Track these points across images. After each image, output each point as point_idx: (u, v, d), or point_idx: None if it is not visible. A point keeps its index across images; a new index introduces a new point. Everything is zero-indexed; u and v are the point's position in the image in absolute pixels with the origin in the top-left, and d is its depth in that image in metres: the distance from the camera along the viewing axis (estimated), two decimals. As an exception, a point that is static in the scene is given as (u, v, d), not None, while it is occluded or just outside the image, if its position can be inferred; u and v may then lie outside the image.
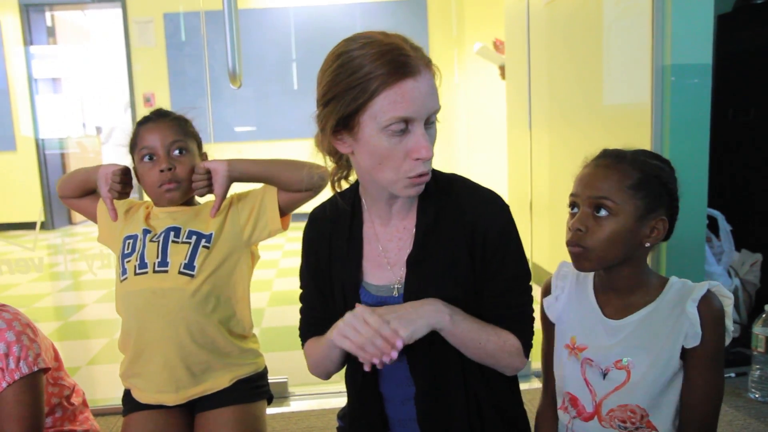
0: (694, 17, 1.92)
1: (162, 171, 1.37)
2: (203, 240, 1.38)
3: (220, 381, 1.38)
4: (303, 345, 1.16)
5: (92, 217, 1.52)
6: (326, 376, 1.12)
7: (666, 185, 1.01)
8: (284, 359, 2.41)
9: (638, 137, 2.04)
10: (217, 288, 1.37)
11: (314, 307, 1.14)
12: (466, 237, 1.00)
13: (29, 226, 6.17)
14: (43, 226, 6.12)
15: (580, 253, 0.99)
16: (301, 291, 1.17)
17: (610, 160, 1.01)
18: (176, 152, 1.39)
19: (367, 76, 0.89)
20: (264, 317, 3.06)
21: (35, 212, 6.22)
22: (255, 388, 1.43)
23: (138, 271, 1.36)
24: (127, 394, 1.44)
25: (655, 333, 0.99)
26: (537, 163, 3.27)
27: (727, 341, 0.99)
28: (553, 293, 1.11)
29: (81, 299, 3.80)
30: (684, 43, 1.92)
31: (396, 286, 1.04)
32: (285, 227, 1.44)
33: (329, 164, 1.08)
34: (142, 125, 1.42)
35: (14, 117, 5.98)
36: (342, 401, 1.23)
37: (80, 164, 6.65)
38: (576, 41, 2.75)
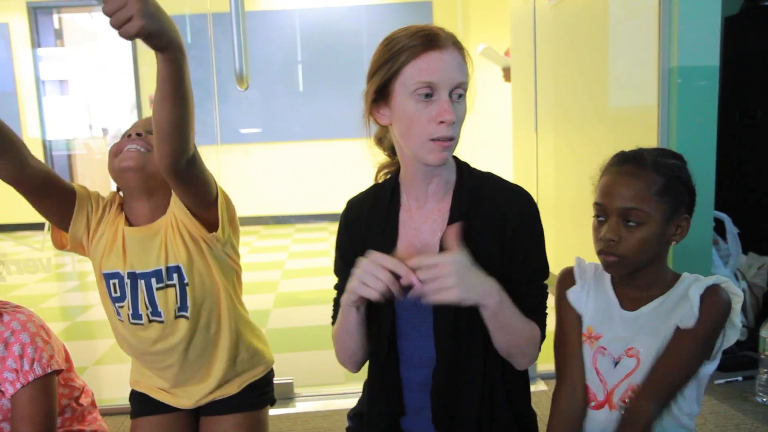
0: (701, 19, 1.92)
1: (129, 136, 1.26)
2: (183, 277, 1.27)
3: (229, 388, 1.37)
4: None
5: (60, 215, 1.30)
6: (352, 362, 1.14)
7: (687, 184, 1.07)
8: (290, 360, 2.42)
9: (644, 139, 2.04)
10: (212, 310, 1.32)
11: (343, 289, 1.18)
12: (496, 226, 1.05)
13: (36, 226, 6.20)
14: (45, 228, 6.15)
15: (614, 261, 1.06)
16: (336, 282, 1.20)
17: (632, 167, 1.05)
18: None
19: (401, 49, 1.02)
20: (270, 319, 3.06)
21: (42, 213, 6.25)
22: (261, 395, 1.43)
23: (133, 320, 1.30)
24: (133, 395, 1.44)
25: (663, 320, 1.05)
26: (543, 165, 3.26)
27: (734, 339, 1.04)
28: (578, 284, 1.16)
29: (88, 300, 3.82)
30: (691, 45, 1.92)
31: None
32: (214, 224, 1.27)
33: (381, 158, 1.19)
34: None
35: (22, 119, 6.02)
36: (348, 402, 1.24)
37: (87, 165, 6.70)
38: (582, 43, 2.75)
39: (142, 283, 1.27)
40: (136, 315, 1.29)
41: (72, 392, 1.46)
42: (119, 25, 0.89)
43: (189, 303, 1.27)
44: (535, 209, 1.08)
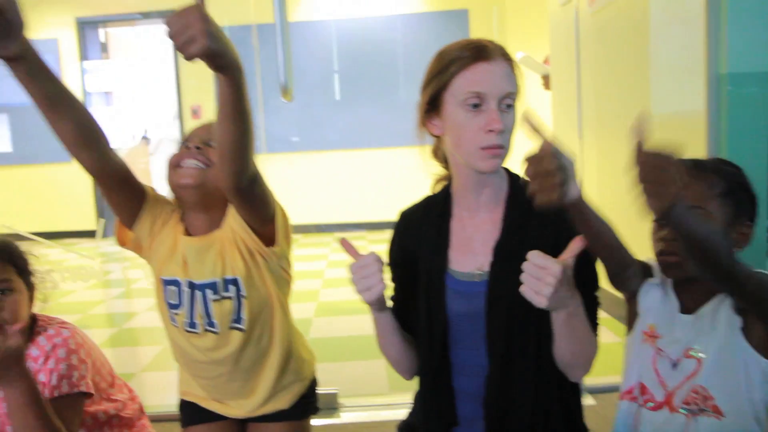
0: (751, 23, 1.87)
1: (188, 148, 1.26)
2: (240, 290, 1.28)
3: (280, 402, 1.38)
4: None
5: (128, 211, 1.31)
6: (401, 369, 1.18)
7: (748, 190, 1.07)
8: (334, 370, 2.42)
9: (692, 147, 2.00)
10: (266, 322, 1.33)
11: (395, 299, 1.21)
12: (551, 235, 1.06)
13: (84, 234, 6.39)
14: (95, 235, 6.33)
15: (675, 262, 1.05)
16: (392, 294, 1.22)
17: (693, 171, 1.03)
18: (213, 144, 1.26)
19: (451, 61, 1.06)
20: (311, 328, 3.08)
21: (89, 221, 6.44)
22: (306, 404, 1.44)
23: (188, 328, 1.31)
24: (183, 404, 1.46)
25: (721, 319, 1.04)
26: (587, 173, 3.22)
27: None
28: (657, 279, 1.14)
29: (134, 307, 3.90)
30: (741, 50, 1.87)
31: (477, 272, 1.10)
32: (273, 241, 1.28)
33: (438, 170, 1.22)
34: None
35: (69, 130, 6.20)
36: (394, 413, 1.25)
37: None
38: (623, 49, 2.71)
39: (199, 294, 1.28)
40: (191, 323, 1.30)
41: (116, 405, 1.48)
42: (183, 46, 0.90)
43: (245, 315, 1.28)
44: None
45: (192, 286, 1.28)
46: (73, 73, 6.22)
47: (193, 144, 1.26)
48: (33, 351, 1.29)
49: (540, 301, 0.93)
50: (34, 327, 1.32)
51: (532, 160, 0.92)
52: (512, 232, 1.09)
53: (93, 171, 1.19)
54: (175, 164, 1.26)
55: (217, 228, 1.29)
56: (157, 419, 2.04)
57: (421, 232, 1.16)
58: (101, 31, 6.32)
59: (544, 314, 0.99)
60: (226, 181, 1.14)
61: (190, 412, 1.44)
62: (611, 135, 2.89)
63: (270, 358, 1.35)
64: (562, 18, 3.46)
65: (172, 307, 1.31)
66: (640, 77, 2.56)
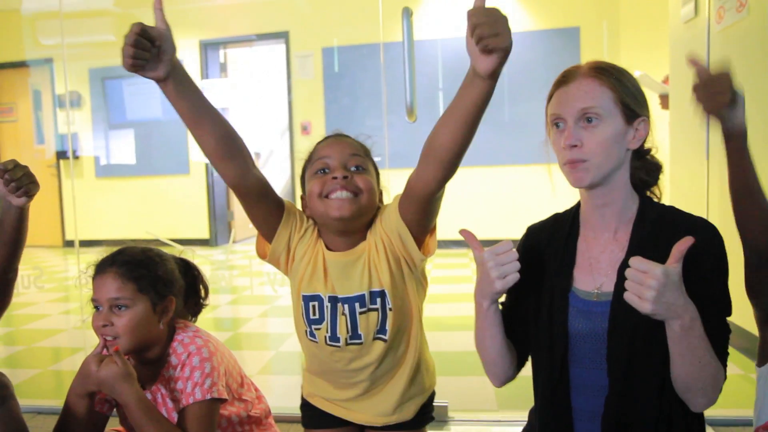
0: None
1: (335, 178, 1.24)
2: (386, 301, 1.29)
3: (405, 412, 1.39)
4: None
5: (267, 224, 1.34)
6: (493, 372, 1.20)
7: None
8: (443, 384, 2.38)
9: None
10: (405, 330, 1.35)
11: (505, 306, 1.23)
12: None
13: (198, 242, 6.77)
14: (207, 243, 6.68)
15: None
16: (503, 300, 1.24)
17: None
18: (354, 168, 1.28)
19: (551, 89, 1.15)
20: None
21: (203, 229, 6.81)
22: (425, 413, 1.46)
23: (329, 342, 1.32)
24: (306, 406, 1.50)
25: None
26: (713, 194, 3.07)
27: None
28: None
29: (244, 313, 4.07)
30: None
31: (596, 292, 1.11)
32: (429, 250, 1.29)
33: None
34: (320, 143, 1.35)
35: (189, 144, 6.63)
36: (503, 430, 1.25)
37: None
38: (754, 66, 2.58)
39: (345, 308, 1.29)
40: (333, 338, 1.31)
41: (247, 405, 1.55)
42: (489, 37, 0.96)
43: (389, 326, 1.30)
44: (720, 242, 1.07)
45: (334, 300, 1.30)
46: (194, 91, 6.63)
47: (340, 173, 1.25)
48: (172, 359, 1.37)
49: (643, 305, 0.93)
50: (173, 335, 1.40)
51: (706, 76, 1.06)
52: (638, 252, 1.05)
53: (233, 183, 1.23)
54: (322, 194, 1.26)
55: (362, 241, 1.31)
56: (276, 420, 2.14)
57: (547, 250, 1.18)
58: (221, 52, 6.71)
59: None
60: (431, 184, 1.15)
61: (312, 414, 1.48)
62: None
63: (403, 366, 1.37)
64: (684, 35, 3.34)
65: (313, 322, 1.32)
66: (772, 96, 2.43)
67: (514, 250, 1.07)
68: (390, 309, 1.29)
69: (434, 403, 1.49)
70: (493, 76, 1.00)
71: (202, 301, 1.58)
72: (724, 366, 1.05)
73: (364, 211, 1.27)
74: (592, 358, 1.09)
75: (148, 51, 1.06)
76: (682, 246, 0.95)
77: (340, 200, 1.24)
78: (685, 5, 3.27)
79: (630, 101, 1.09)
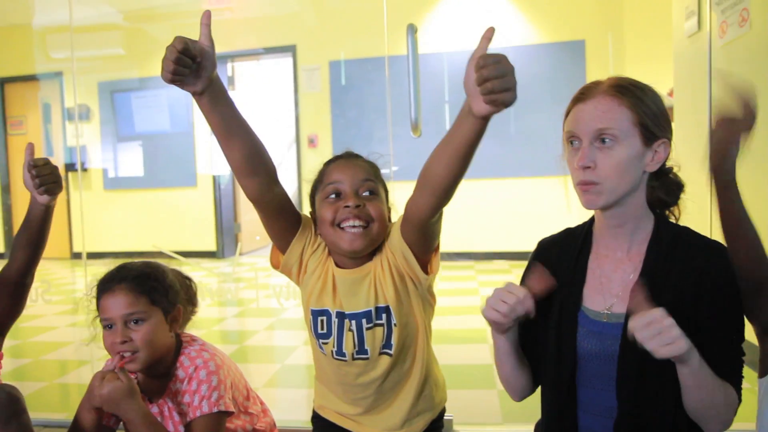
0: None
1: (347, 207, 1.25)
2: (391, 317, 1.30)
3: (416, 427, 1.40)
4: None
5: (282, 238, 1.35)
6: (510, 388, 1.21)
7: None
8: (448, 397, 2.41)
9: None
10: (411, 345, 1.36)
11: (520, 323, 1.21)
12: (693, 279, 1.03)
13: (204, 255, 6.79)
14: (214, 255, 6.70)
15: None
16: None
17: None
18: (366, 193, 1.29)
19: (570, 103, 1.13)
20: (421, 354, 3.09)
21: (210, 242, 6.83)
22: (435, 429, 1.46)
23: (336, 356, 1.35)
24: (317, 418, 1.50)
25: None
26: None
27: None
28: None
29: (251, 326, 4.07)
30: None
31: (605, 312, 1.09)
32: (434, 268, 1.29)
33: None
34: (330, 163, 1.34)
35: (195, 155, 6.67)
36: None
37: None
38: (757, 81, 2.58)
39: (352, 323, 1.31)
40: (339, 352, 1.33)
41: (252, 419, 1.56)
42: (501, 92, 0.92)
43: (394, 341, 1.31)
44: (733, 267, 1.04)
45: (341, 316, 1.32)
46: (202, 104, 6.67)
47: (353, 201, 1.26)
48: (179, 373, 1.39)
49: (678, 344, 0.90)
50: (180, 348, 1.43)
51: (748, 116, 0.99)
52: (652, 275, 1.05)
53: (253, 198, 1.24)
54: (334, 222, 1.27)
55: (369, 259, 1.32)
56: (281, 432, 2.15)
57: (559, 265, 1.16)
58: (229, 66, 6.76)
59: None
60: (426, 212, 1.15)
61: (322, 425, 1.48)
62: (743, 167, 2.75)
63: (410, 381, 1.37)
64: (688, 49, 3.35)
65: (321, 336, 1.34)
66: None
67: (514, 293, 1.04)
68: (395, 324, 1.30)
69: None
70: (487, 118, 0.99)
71: (194, 309, 1.60)
72: (739, 389, 1.04)
73: (374, 241, 1.29)
74: (601, 379, 1.07)
75: (189, 67, 1.06)
76: (641, 293, 0.94)
77: (352, 234, 1.25)
78: (689, 19, 3.28)
79: (650, 122, 1.05)
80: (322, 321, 1.34)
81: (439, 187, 1.10)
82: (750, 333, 1.30)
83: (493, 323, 1.08)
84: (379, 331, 1.31)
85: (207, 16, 1.09)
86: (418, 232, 1.23)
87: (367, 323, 1.30)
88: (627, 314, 1.03)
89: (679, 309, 1.00)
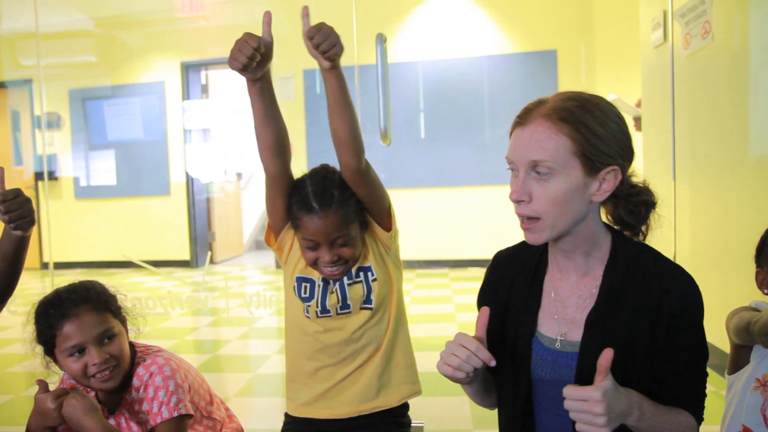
0: None
1: (325, 260, 1.37)
2: (370, 274, 1.44)
3: (388, 399, 1.47)
4: None
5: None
6: (483, 404, 1.19)
7: None
8: (420, 404, 2.43)
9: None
10: (387, 302, 1.47)
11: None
12: (651, 306, 1.00)
13: (177, 264, 6.73)
14: (188, 265, 6.64)
15: None
16: None
17: None
18: (341, 244, 1.37)
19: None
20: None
21: (183, 251, 6.77)
22: (400, 425, 1.50)
23: (320, 315, 1.44)
24: (288, 422, 1.53)
25: None
26: (680, 215, 3.14)
27: None
28: None
29: (224, 335, 4.05)
30: None
31: (559, 339, 1.06)
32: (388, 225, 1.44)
33: None
34: (304, 211, 1.35)
35: (169, 165, 6.61)
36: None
37: (223, 207, 7.20)
38: (720, 91, 2.66)
39: (336, 284, 1.43)
40: (324, 310, 1.44)
41: (216, 424, 1.55)
42: (329, 48, 1.17)
43: (374, 297, 1.43)
44: (696, 291, 1.01)
45: (326, 281, 1.44)
46: (174, 112, 6.64)
47: (329, 257, 1.36)
48: (135, 381, 1.37)
49: (602, 431, 0.87)
50: (134, 357, 1.41)
51: None
52: (608, 301, 1.02)
53: (273, 176, 1.38)
54: (312, 263, 1.40)
55: None
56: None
57: (514, 285, 1.12)
58: (202, 74, 6.73)
59: (639, 388, 0.96)
60: (349, 164, 1.32)
61: (293, 421, 1.51)
62: (706, 176, 2.82)
63: (384, 343, 1.46)
64: (654, 60, 3.43)
65: (304, 299, 1.46)
66: (737, 119, 2.50)
67: (465, 346, 0.97)
68: (374, 280, 1.44)
69: (411, 424, 1.52)
70: (336, 68, 1.21)
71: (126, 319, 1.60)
72: (702, 410, 1.03)
73: (352, 266, 1.43)
74: (557, 404, 1.00)
75: (255, 60, 1.21)
76: (604, 361, 0.90)
77: (330, 272, 1.40)
78: (655, 31, 3.36)
79: (592, 152, 0.96)
80: (305, 287, 1.46)
81: (345, 138, 1.29)
82: (716, 338, 1.34)
83: (449, 378, 1.00)
84: (359, 287, 1.43)
85: (268, 16, 1.27)
86: (362, 186, 1.36)
87: (348, 280, 1.43)
88: (583, 344, 1.02)
89: (637, 334, 1.00)
